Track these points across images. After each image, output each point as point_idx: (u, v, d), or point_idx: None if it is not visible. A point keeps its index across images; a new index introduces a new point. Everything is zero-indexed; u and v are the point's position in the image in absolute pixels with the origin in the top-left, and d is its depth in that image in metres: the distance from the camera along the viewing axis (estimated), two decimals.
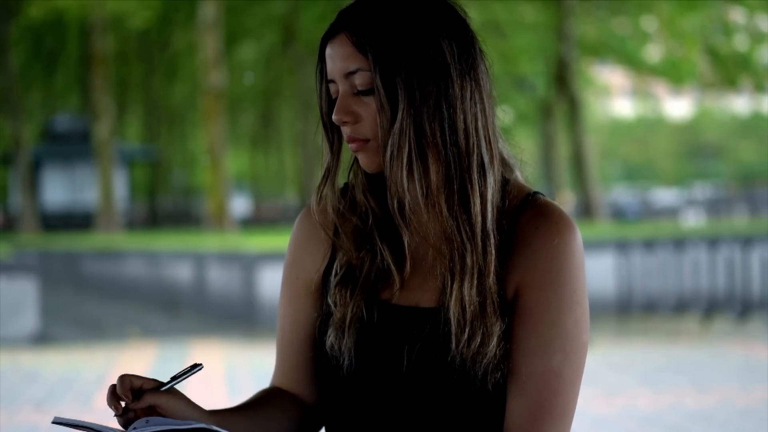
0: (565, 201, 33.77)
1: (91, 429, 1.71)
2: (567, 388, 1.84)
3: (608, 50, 31.27)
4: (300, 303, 1.98)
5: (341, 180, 1.95)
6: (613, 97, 55.06)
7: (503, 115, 1.93)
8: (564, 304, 1.84)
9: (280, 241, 16.07)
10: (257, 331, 14.39)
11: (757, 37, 29.24)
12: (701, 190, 59.95)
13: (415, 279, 1.90)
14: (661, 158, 66.49)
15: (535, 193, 1.90)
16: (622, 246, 15.91)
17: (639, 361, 11.58)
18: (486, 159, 1.85)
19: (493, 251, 1.84)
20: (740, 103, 52.85)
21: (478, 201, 1.84)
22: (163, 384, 1.80)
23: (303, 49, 33.94)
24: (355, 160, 1.93)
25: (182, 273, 19.01)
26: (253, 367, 11.41)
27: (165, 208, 50.25)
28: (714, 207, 46.51)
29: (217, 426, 1.79)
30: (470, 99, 1.84)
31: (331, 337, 1.90)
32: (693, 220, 37.92)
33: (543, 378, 1.83)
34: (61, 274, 25.23)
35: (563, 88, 30.66)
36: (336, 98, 1.88)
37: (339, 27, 1.86)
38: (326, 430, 1.97)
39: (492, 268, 1.83)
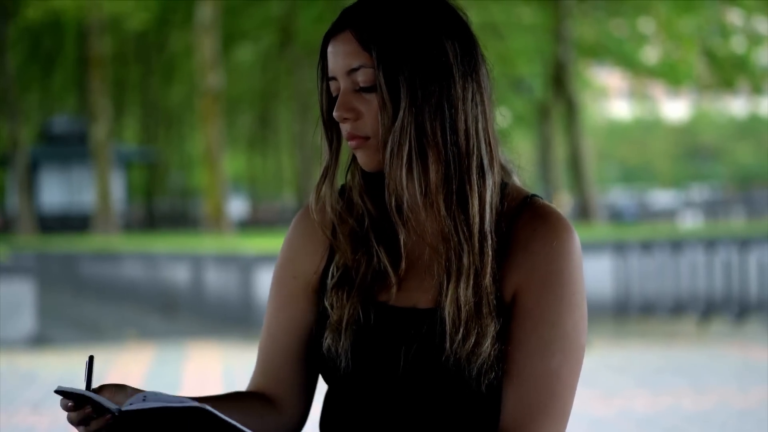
0: (563, 203, 33.78)
1: (92, 399, 1.77)
2: (565, 390, 1.85)
3: (605, 52, 31.29)
4: (296, 303, 1.98)
5: (339, 181, 1.95)
6: (611, 98, 55.08)
7: (501, 119, 1.93)
8: (563, 306, 1.85)
9: (278, 242, 15.98)
10: (254, 333, 14.38)
11: (754, 39, 29.26)
12: (698, 192, 60.01)
13: (412, 280, 1.90)
14: (658, 160, 66.51)
15: (533, 195, 1.91)
16: (619, 248, 15.90)
17: (636, 363, 11.57)
18: (486, 161, 1.85)
19: (491, 252, 1.84)
20: (737, 105, 52.92)
21: (476, 202, 1.84)
22: (83, 393, 1.79)
23: (300, 50, 33.96)
24: (353, 161, 1.93)
25: (179, 275, 19.00)
26: (250, 368, 11.28)
27: (162, 209, 50.22)
28: (711, 209, 46.53)
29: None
30: (471, 100, 1.85)
31: (328, 339, 1.90)
32: (690, 222, 37.95)
33: (542, 379, 1.83)
34: (59, 275, 25.20)
35: (560, 89, 30.68)
36: (336, 96, 1.88)
37: (343, 24, 1.86)
38: (322, 430, 1.96)
39: (489, 269, 1.84)
